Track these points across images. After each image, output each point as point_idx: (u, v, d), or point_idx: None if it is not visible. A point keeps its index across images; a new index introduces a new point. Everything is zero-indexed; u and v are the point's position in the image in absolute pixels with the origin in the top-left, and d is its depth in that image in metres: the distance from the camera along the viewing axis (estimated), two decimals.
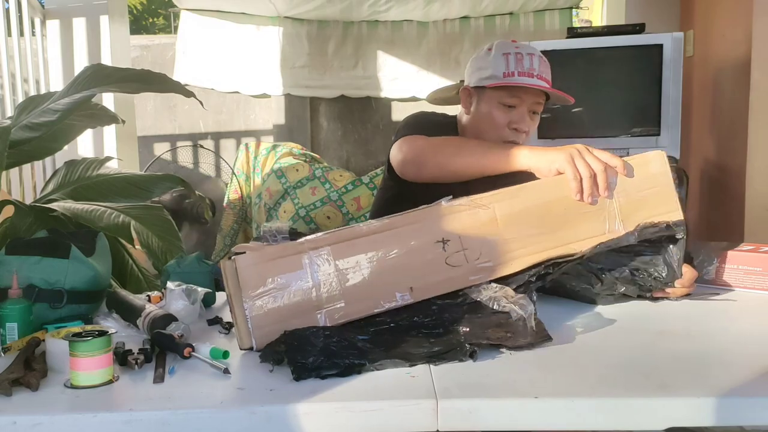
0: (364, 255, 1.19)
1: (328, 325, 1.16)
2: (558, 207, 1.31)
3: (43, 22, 3.13)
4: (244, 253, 1.15)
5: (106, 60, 3.11)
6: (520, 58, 1.63)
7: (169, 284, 1.34)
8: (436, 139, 1.58)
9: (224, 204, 4.10)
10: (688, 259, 1.47)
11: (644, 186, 1.33)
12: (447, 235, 1.23)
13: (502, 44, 1.68)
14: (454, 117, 1.81)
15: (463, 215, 1.26)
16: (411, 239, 1.22)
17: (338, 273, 1.17)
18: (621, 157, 1.34)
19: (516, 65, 1.63)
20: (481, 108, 1.69)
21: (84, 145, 3.04)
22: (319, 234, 1.22)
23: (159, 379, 1.01)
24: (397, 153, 1.65)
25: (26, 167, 2.79)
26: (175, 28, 4.61)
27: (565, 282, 1.41)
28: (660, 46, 2.79)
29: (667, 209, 1.34)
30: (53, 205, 1.69)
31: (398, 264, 1.20)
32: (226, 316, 1.33)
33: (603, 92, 2.99)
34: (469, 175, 1.47)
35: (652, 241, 1.37)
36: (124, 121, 2.01)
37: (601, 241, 1.31)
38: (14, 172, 2.60)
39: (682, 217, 1.35)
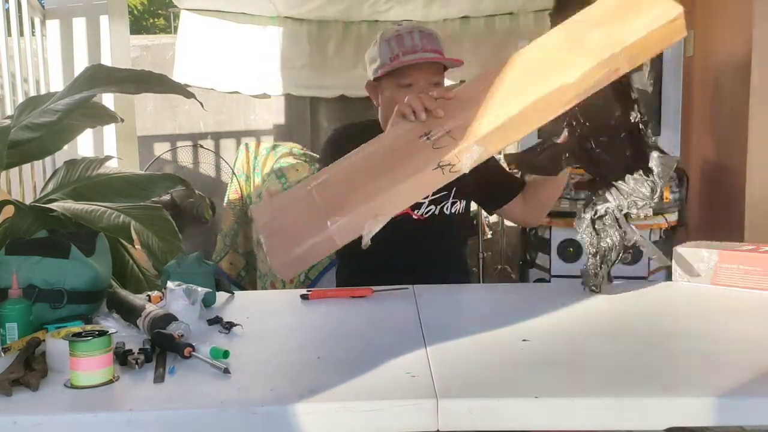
0: (355, 158, 1.31)
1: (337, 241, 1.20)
2: (526, 65, 1.29)
3: (43, 22, 3.13)
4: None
5: (106, 60, 3.10)
6: (401, 39, 1.68)
7: (170, 284, 1.34)
8: None
9: (224, 204, 4.10)
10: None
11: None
12: (427, 128, 1.26)
13: (384, 32, 1.74)
14: (376, 119, 1.85)
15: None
16: (394, 144, 1.30)
17: (333, 179, 1.28)
18: None
19: (398, 47, 1.68)
20: (384, 97, 1.75)
21: (84, 145, 3.04)
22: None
23: (159, 379, 1.01)
24: None
25: (26, 167, 2.78)
26: (175, 28, 4.61)
27: None
28: None
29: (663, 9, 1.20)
30: (53, 205, 1.69)
31: (386, 159, 1.27)
32: (226, 316, 1.33)
33: None
34: None
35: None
36: (122, 120, 2.01)
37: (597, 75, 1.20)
38: (14, 172, 2.59)
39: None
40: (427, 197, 1.74)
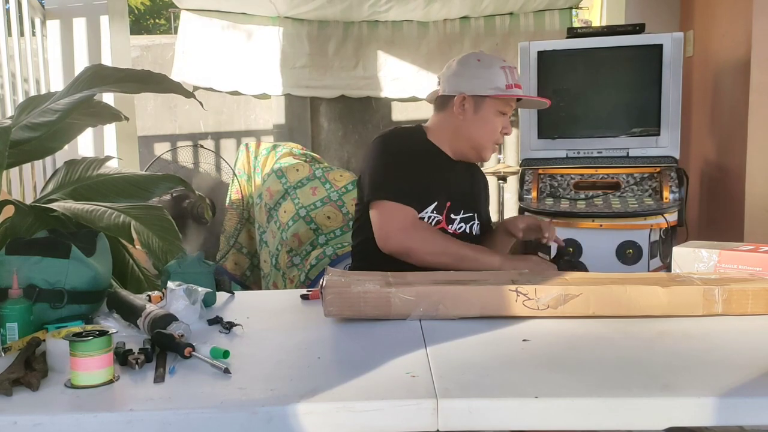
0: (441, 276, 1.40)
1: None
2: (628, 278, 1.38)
3: (43, 22, 3.13)
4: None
5: (107, 60, 3.11)
6: (512, 72, 1.81)
7: (170, 284, 1.34)
8: (428, 240, 1.69)
9: (226, 204, 4.10)
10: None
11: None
12: (522, 290, 1.30)
13: (491, 58, 1.83)
14: (420, 127, 1.88)
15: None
16: (480, 276, 1.40)
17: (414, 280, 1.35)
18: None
19: (511, 78, 1.79)
20: (479, 115, 1.80)
21: (84, 145, 3.04)
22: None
23: (159, 379, 1.01)
24: (380, 224, 1.71)
25: (26, 167, 2.78)
26: (175, 28, 4.61)
27: None
28: (660, 46, 2.79)
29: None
30: (53, 205, 1.69)
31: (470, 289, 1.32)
32: (227, 316, 1.33)
33: (603, 92, 2.99)
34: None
35: None
36: (127, 118, 2.01)
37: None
38: (14, 171, 2.59)
39: None
40: (460, 215, 1.82)
